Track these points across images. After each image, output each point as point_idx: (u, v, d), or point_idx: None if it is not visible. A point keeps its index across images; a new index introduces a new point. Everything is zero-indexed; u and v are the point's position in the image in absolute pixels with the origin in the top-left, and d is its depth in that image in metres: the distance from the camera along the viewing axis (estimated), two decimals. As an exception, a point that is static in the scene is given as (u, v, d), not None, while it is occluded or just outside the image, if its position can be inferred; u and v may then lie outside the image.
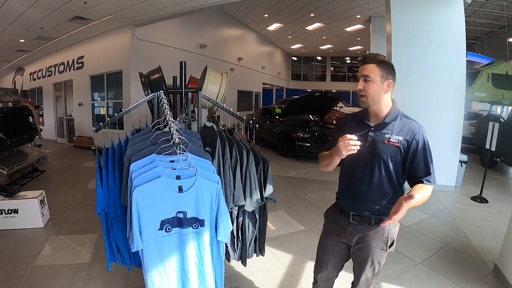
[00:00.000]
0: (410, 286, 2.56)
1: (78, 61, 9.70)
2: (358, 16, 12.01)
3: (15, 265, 2.83)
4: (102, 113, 9.91)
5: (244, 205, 1.73)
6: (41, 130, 7.06)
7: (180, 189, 1.34)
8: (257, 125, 2.02)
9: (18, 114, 6.20)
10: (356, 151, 1.37)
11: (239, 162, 1.70)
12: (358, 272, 1.65)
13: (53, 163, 7.40)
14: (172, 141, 1.33)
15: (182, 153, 1.37)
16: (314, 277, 1.83)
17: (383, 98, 1.48)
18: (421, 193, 1.35)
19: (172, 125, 1.40)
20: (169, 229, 1.35)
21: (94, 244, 3.26)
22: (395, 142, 1.45)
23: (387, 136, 1.46)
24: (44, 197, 3.85)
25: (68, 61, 10.09)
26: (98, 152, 1.82)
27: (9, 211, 3.58)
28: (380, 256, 1.58)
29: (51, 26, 7.50)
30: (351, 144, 1.35)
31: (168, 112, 1.53)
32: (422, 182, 1.41)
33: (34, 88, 11.91)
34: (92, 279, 2.62)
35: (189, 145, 1.48)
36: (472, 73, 7.56)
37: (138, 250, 1.35)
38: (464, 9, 5.30)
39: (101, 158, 1.79)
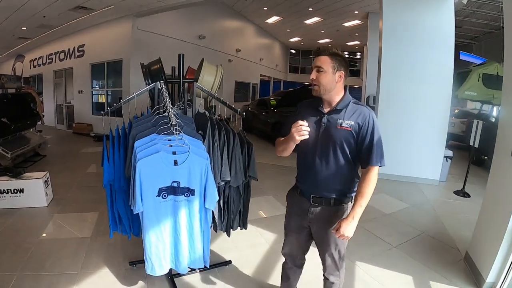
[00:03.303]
0: (384, 267, 2.74)
1: (79, 49, 9.84)
2: (356, 12, 12.12)
3: (21, 238, 3.02)
4: (101, 101, 10.10)
5: (229, 181, 1.99)
6: (43, 116, 7.24)
7: (175, 162, 1.59)
8: (244, 113, 2.25)
9: (22, 100, 6.38)
10: (307, 136, 1.46)
11: (226, 144, 1.95)
12: (323, 256, 1.74)
13: (53, 148, 7.62)
14: (170, 123, 1.58)
15: (178, 133, 1.62)
16: (283, 254, 1.93)
17: (335, 88, 1.55)
18: (364, 194, 1.51)
19: (170, 110, 1.65)
20: (165, 196, 1.61)
21: (95, 221, 3.47)
22: (347, 127, 1.52)
23: (339, 121, 1.54)
24: (48, 177, 4.04)
25: (69, 49, 10.23)
26: (104, 135, 2.05)
27: (15, 191, 3.78)
28: None
29: (53, 14, 7.62)
30: (302, 129, 1.44)
31: (168, 100, 1.78)
32: (369, 165, 1.53)
33: (34, 75, 12.01)
34: (94, 251, 2.85)
35: (184, 127, 1.73)
36: (463, 72, 7.74)
37: (138, 219, 1.60)
38: (462, 9, 5.38)
39: (107, 139, 2.04)
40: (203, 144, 1.76)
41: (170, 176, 1.61)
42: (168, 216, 1.63)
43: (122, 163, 1.91)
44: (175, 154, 1.61)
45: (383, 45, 5.57)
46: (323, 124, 1.57)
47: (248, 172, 2.04)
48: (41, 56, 11.66)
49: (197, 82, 2.52)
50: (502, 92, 2.81)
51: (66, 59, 10.46)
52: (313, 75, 1.54)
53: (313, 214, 1.66)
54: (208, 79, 2.63)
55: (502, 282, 2.32)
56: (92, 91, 10.02)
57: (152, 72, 2.70)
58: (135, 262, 2.56)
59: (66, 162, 6.34)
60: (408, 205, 4.38)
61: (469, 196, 4.90)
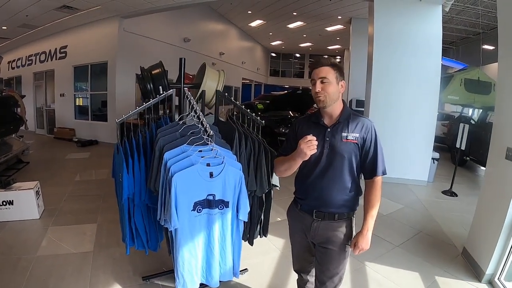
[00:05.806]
0: (391, 266, 2.88)
1: (61, 50, 9.45)
2: (340, 17, 12.24)
3: (17, 256, 2.80)
4: (84, 105, 9.72)
5: (255, 190, 1.96)
6: (27, 120, 6.89)
7: (211, 174, 1.55)
8: (263, 121, 2.23)
9: (4, 103, 6.03)
10: (316, 151, 1.42)
11: (252, 153, 1.92)
12: (321, 275, 1.64)
13: (36, 155, 7.25)
14: (207, 133, 1.53)
15: (210, 143, 1.58)
16: (295, 271, 1.90)
17: (339, 98, 1.54)
18: (374, 204, 1.54)
19: (203, 120, 1.60)
20: (200, 210, 1.56)
21: (94, 233, 3.29)
22: (352, 140, 1.50)
23: (344, 134, 1.51)
24: (39, 188, 3.82)
25: (50, 50, 9.81)
26: (117, 143, 1.95)
27: (4, 203, 3.52)
28: (344, 253, 1.61)
29: (37, 14, 7.31)
30: (313, 144, 1.39)
31: (197, 108, 1.72)
32: (375, 175, 1.54)
33: (12, 77, 11.50)
34: (100, 266, 2.68)
35: (214, 137, 1.68)
36: (446, 77, 8.04)
37: (155, 233, 1.51)
38: (443, 16, 5.63)
39: (123, 148, 1.93)
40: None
41: (205, 189, 1.56)
42: (202, 230, 1.58)
43: (142, 175, 1.83)
44: (209, 166, 1.57)
45: (374, 51, 5.69)
46: (327, 139, 1.53)
47: (272, 180, 2.02)
48: (20, 58, 11.14)
49: (199, 87, 2.47)
50: (496, 96, 3.00)
51: (47, 61, 10.02)
52: (318, 87, 1.48)
53: (316, 229, 1.60)
54: (211, 85, 2.58)
55: (500, 273, 2.54)
56: (74, 95, 9.64)
57: (154, 76, 2.60)
58: (148, 276, 2.46)
59: (51, 170, 6.04)
60: (402, 205, 4.55)
61: (456, 195, 5.11)
